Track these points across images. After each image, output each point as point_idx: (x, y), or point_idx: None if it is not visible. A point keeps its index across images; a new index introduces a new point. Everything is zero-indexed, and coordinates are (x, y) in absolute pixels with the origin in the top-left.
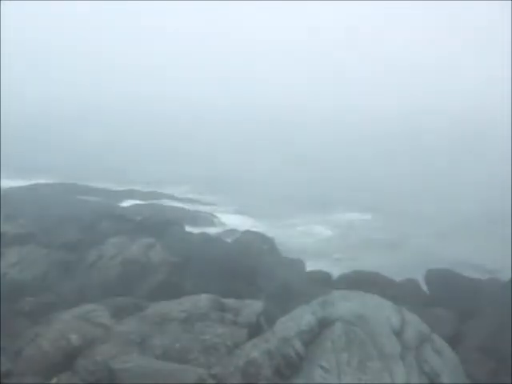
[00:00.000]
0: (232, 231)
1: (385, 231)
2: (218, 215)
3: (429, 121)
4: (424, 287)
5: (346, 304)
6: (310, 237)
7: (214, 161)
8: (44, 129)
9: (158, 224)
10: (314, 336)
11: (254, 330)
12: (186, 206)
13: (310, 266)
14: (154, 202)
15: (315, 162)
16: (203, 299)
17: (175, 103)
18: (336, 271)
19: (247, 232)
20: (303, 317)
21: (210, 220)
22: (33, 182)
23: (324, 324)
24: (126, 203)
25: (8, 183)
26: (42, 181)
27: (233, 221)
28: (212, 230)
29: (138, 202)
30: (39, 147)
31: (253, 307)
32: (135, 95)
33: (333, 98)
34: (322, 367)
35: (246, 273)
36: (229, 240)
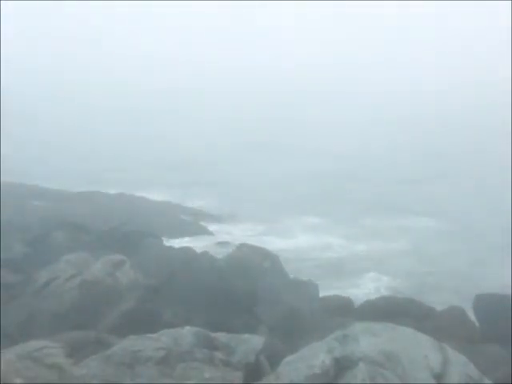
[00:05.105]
0: (224, 244)
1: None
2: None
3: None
4: (472, 317)
5: (371, 339)
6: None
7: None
8: None
9: (128, 236)
10: (330, 380)
11: (252, 373)
12: (165, 212)
13: None
14: (123, 206)
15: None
16: (186, 333)
17: None
18: None
19: (243, 246)
20: (316, 356)
21: (199, 230)
22: None
23: (343, 365)
24: (87, 209)
25: None
26: None
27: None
28: (200, 243)
29: (101, 206)
30: None
31: (250, 343)
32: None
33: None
34: None
35: (241, 299)
36: (220, 256)
